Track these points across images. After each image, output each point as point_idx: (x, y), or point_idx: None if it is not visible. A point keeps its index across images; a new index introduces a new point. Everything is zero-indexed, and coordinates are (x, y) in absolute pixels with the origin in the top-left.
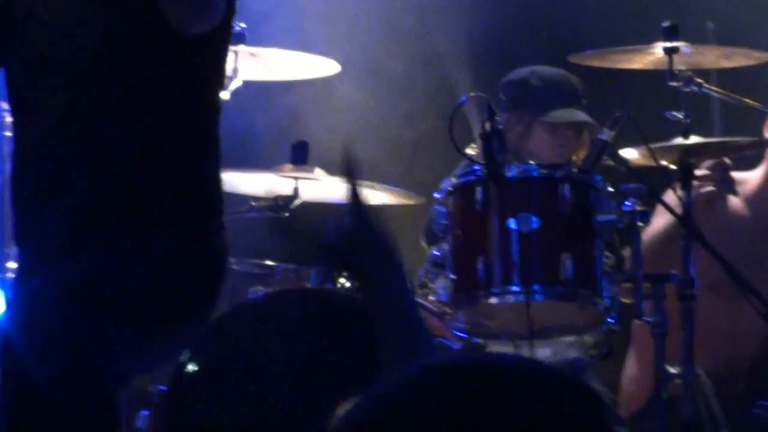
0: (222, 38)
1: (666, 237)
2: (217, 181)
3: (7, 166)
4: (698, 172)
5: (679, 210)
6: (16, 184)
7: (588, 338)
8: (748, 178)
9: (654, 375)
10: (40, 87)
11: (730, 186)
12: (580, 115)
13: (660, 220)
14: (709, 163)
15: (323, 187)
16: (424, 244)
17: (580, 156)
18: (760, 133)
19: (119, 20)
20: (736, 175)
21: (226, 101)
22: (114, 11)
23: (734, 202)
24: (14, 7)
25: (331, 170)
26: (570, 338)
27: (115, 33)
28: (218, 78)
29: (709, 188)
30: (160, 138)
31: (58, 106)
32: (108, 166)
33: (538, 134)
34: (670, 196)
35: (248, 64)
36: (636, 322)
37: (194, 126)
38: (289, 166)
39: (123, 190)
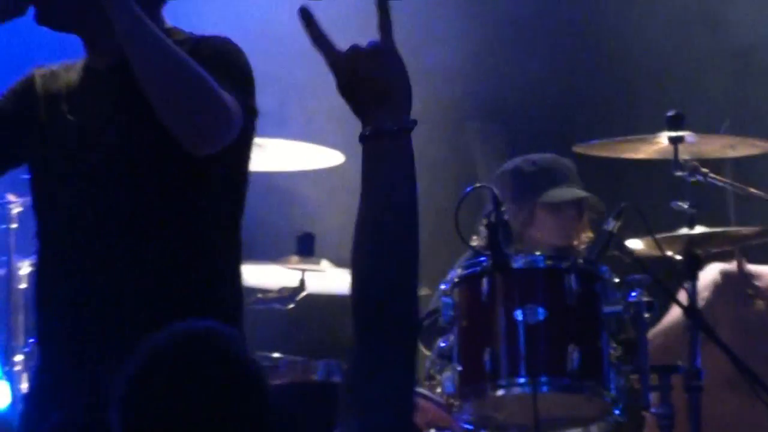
0: (245, 144)
1: (680, 328)
2: (240, 284)
3: (13, 258)
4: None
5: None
6: (39, 281)
7: (594, 430)
8: (765, 272)
9: None
10: (64, 187)
11: (747, 281)
12: (577, 192)
13: (676, 311)
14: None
15: (329, 279)
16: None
17: (584, 238)
18: None
19: (143, 126)
20: (753, 268)
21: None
22: (138, 117)
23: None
24: (40, 106)
25: (337, 262)
26: (577, 430)
27: (138, 138)
28: (242, 180)
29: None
30: (184, 241)
31: (83, 209)
32: (132, 269)
33: (540, 218)
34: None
35: (254, 155)
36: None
37: (218, 229)
38: (295, 258)
39: (148, 294)
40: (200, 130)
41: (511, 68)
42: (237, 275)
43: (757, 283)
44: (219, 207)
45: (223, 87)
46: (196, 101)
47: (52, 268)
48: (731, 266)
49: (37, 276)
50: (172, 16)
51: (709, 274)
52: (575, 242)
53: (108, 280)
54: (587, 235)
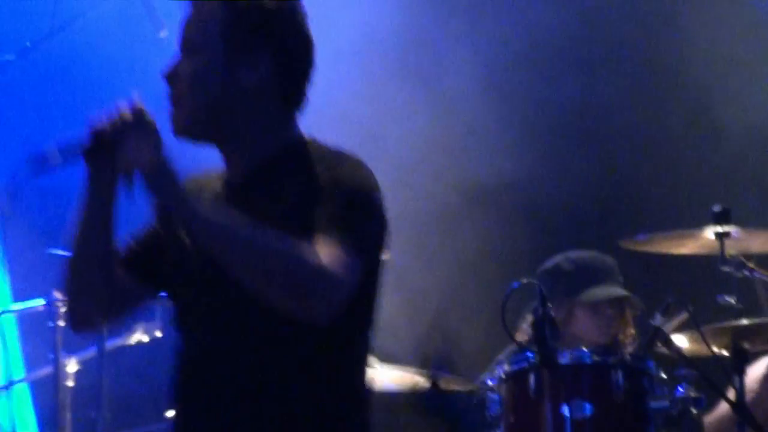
0: (371, 285)
1: (730, 422)
2: (367, 394)
3: (60, 356)
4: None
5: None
6: (177, 396)
7: None
8: None
9: None
10: (199, 295)
11: None
12: (616, 291)
13: (726, 405)
14: None
15: (376, 375)
16: None
17: (627, 334)
18: None
19: None
20: None
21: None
22: None
23: None
24: (174, 243)
25: (381, 358)
26: None
27: None
28: (372, 304)
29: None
30: (318, 374)
31: (215, 325)
32: (269, 403)
33: (580, 317)
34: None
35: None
36: None
37: (348, 347)
38: None
39: (278, 419)
40: (304, 311)
41: (556, 164)
42: (365, 388)
43: None
44: (347, 328)
45: (340, 233)
46: (285, 287)
47: (188, 389)
48: None
49: (174, 384)
50: None
51: (758, 368)
52: (619, 338)
53: (236, 401)
54: (630, 332)
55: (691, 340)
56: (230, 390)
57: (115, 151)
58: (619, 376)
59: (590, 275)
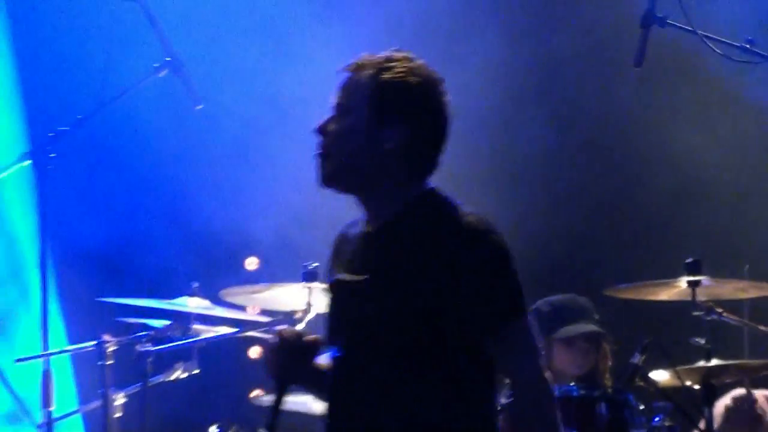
0: None
1: None
2: (494, 415)
3: (109, 391)
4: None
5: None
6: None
7: None
8: None
9: None
10: (340, 335)
11: (754, 404)
12: (586, 327)
13: None
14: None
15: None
16: None
17: (605, 367)
18: None
19: (400, 286)
20: (759, 392)
21: (303, 329)
22: (395, 277)
23: None
24: (334, 266)
25: None
26: None
27: (397, 296)
28: None
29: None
30: (446, 385)
31: (353, 355)
32: (399, 409)
33: (558, 352)
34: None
35: (320, 300)
36: None
37: (486, 393)
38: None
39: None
40: None
41: (544, 221)
42: (492, 410)
43: (764, 405)
44: (486, 375)
45: (510, 314)
46: None
47: (334, 397)
48: (741, 392)
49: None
50: None
51: (720, 404)
52: (600, 369)
53: (377, 417)
54: (607, 364)
55: (667, 376)
56: (361, 398)
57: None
58: (603, 407)
59: (566, 315)
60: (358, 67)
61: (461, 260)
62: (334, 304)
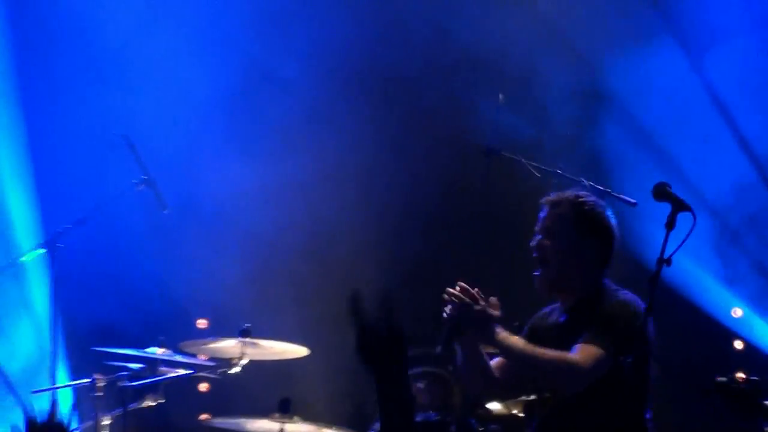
0: (623, 372)
1: None
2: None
3: (98, 414)
4: None
5: None
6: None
7: None
8: None
9: None
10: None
11: None
12: (429, 369)
13: None
14: None
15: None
16: None
17: (457, 400)
18: None
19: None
20: None
21: (237, 373)
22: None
23: None
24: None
25: (307, 417)
26: None
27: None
28: (642, 381)
29: None
30: (614, 416)
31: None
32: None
33: (415, 389)
34: None
35: (251, 350)
36: None
37: (631, 406)
38: (277, 415)
39: None
40: (555, 387)
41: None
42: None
43: None
44: (628, 395)
45: (596, 339)
46: (547, 376)
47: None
48: None
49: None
50: None
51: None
52: (453, 402)
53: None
54: (457, 399)
55: (498, 406)
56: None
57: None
58: (453, 428)
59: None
60: (555, 203)
61: (600, 314)
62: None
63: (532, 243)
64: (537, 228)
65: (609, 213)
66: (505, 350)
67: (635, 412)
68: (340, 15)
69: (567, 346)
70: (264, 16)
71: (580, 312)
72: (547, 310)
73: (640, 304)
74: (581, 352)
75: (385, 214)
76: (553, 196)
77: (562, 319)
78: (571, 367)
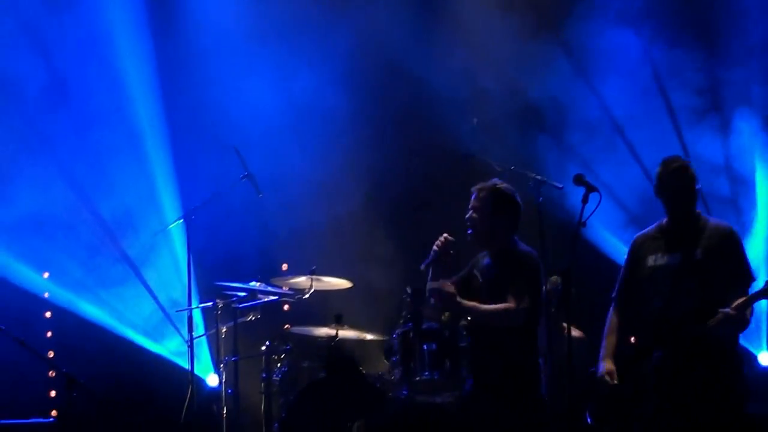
0: (534, 315)
1: None
2: (537, 366)
3: (219, 326)
4: None
5: None
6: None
7: (456, 393)
8: None
9: None
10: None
11: None
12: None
13: None
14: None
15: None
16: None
17: (445, 317)
18: None
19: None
20: None
21: (307, 298)
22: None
23: None
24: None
25: (353, 327)
26: (447, 393)
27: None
28: (535, 324)
29: None
30: (517, 349)
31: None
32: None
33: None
34: None
35: (316, 283)
36: None
37: (528, 344)
38: (333, 325)
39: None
40: (506, 325)
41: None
42: (536, 361)
43: None
44: (527, 333)
45: (519, 288)
46: (496, 322)
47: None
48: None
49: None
50: None
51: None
52: (443, 318)
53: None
54: (446, 316)
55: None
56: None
57: (440, 261)
58: (446, 332)
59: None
60: (480, 189)
61: (513, 267)
62: (471, 284)
63: (466, 216)
64: (469, 206)
65: (517, 195)
66: (466, 311)
67: (530, 350)
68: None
69: (495, 281)
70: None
71: (500, 258)
72: (482, 253)
73: (537, 256)
74: (512, 300)
75: (397, 203)
76: (479, 185)
77: (487, 262)
78: (508, 311)
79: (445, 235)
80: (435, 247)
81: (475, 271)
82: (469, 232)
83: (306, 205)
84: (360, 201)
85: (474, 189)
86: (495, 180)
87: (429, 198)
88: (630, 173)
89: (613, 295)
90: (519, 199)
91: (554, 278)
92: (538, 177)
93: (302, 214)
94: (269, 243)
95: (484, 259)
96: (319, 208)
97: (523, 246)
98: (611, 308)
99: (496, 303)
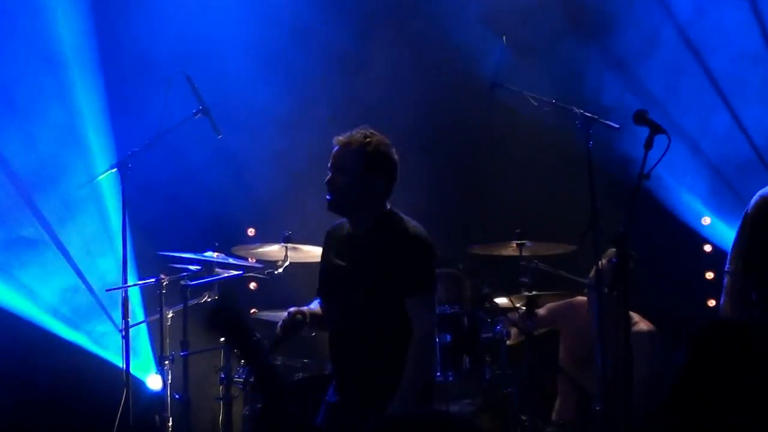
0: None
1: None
2: (407, 339)
3: (164, 308)
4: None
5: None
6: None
7: (478, 400)
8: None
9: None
10: (332, 295)
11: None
12: (448, 270)
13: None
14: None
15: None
16: None
17: (467, 295)
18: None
19: (371, 271)
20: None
21: (280, 273)
22: (369, 266)
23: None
24: (329, 250)
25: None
26: (468, 400)
27: (369, 276)
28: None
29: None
30: (388, 325)
31: (342, 307)
32: (366, 339)
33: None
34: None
35: (292, 254)
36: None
37: (401, 320)
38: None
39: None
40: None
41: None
42: (407, 338)
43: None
44: (402, 311)
45: (420, 290)
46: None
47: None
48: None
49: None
50: None
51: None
52: (465, 297)
53: (352, 343)
54: (467, 293)
55: (504, 300)
56: (345, 334)
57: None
58: (465, 320)
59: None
60: (346, 143)
61: (401, 254)
62: (329, 275)
63: (326, 180)
64: (329, 164)
65: (392, 150)
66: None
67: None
68: None
69: (359, 265)
70: None
71: (378, 236)
72: (342, 221)
73: (428, 236)
74: (417, 309)
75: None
76: (343, 137)
77: (356, 239)
78: (427, 346)
79: (293, 311)
80: (278, 330)
81: (335, 259)
82: (329, 198)
83: (280, 152)
84: None
85: (336, 141)
86: (365, 128)
87: (441, 141)
88: (716, 120)
89: (728, 268)
90: (395, 156)
91: (611, 251)
92: (588, 114)
93: (276, 163)
94: (231, 201)
95: (347, 229)
96: (297, 154)
97: (408, 219)
98: (727, 284)
99: (373, 301)
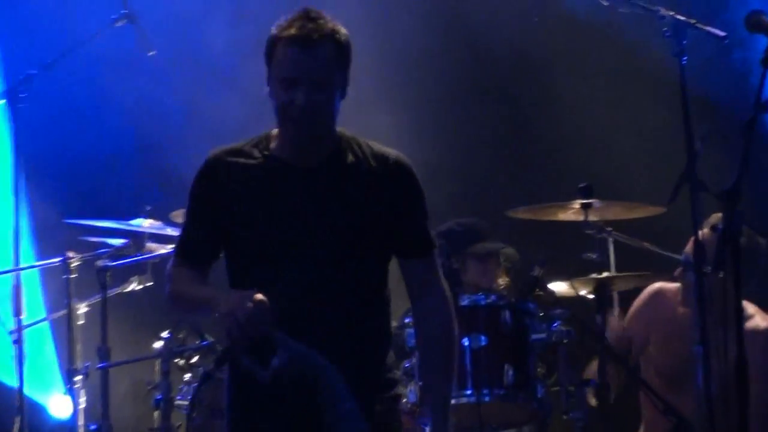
0: None
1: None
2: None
3: (72, 301)
4: None
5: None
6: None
7: (525, 430)
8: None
9: None
10: (284, 259)
11: None
12: (498, 245)
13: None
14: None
15: None
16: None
17: (502, 281)
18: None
19: (348, 212)
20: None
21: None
22: (341, 207)
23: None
24: (228, 192)
25: None
26: (512, 430)
27: (346, 221)
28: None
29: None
30: (371, 284)
31: (309, 272)
32: (343, 301)
33: (472, 266)
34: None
35: None
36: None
37: (383, 278)
38: None
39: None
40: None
41: (462, 150)
42: (389, 304)
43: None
44: (384, 267)
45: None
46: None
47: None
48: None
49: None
50: None
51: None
52: (497, 284)
53: (326, 310)
54: (504, 279)
55: (563, 287)
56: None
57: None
58: (507, 314)
59: (475, 235)
60: (316, 40)
61: (398, 190)
62: (280, 228)
63: (300, 103)
64: (292, 76)
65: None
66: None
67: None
68: None
69: (333, 205)
70: None
71: (347, 172)
72: (230, 148)
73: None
74: (445, 290)
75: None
76: (297, 28)
77: (307, 171)
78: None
79: (258, 297)
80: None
81: (282, 203)
82: (317, 130)
83: (236, 77)
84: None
85: (289, 35)
86: (310, 8)
87: (474, 67)
88: None
89: None
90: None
91: (716, 215)
92: (682, 17)
93: (229, 95)
94: (167, 148)
95: (299, 172)
96: (257, 82)
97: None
98: None
99: (363, 254)
